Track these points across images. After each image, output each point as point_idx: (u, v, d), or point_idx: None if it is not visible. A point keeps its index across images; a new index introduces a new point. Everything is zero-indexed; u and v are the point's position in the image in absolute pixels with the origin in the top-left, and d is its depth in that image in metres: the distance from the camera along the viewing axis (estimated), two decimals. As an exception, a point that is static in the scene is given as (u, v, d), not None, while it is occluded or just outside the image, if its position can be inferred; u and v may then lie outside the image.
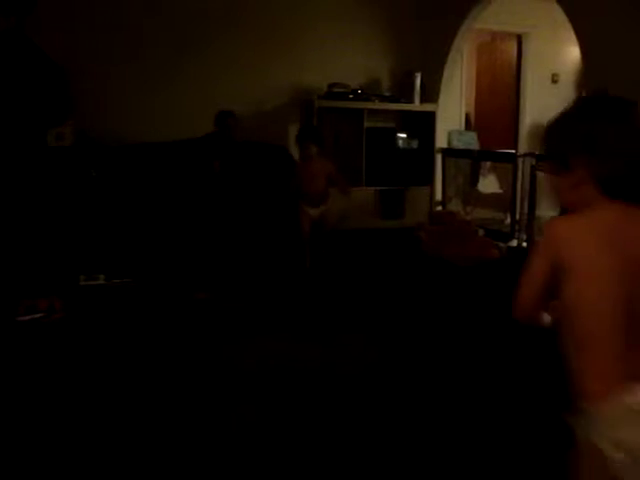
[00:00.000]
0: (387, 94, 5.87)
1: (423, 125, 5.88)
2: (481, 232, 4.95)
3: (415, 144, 5.91)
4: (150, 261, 4.11)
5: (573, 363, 1.22)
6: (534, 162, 5.06)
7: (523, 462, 1.98)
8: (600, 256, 1.17)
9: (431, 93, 5.86)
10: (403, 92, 5.85)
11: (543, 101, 6.95)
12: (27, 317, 3.21)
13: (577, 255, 1.19)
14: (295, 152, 5.44)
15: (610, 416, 1.11)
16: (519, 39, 6.94)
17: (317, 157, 4.48)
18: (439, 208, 5.95)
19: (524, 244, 5.11)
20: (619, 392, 1.11)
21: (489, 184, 5.92)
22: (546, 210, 5.08)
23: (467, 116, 7.04)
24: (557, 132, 1.30)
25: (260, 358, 2.79)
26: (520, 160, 5.27)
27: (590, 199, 1.21)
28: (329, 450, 2.02)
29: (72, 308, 3.37)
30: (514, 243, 5.18)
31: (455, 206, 5.89)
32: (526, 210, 5.12)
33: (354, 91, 5.52)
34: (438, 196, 6.02)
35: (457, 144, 6.28)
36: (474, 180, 5.99)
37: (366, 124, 5.59)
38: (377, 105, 5.61)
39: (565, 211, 1.31)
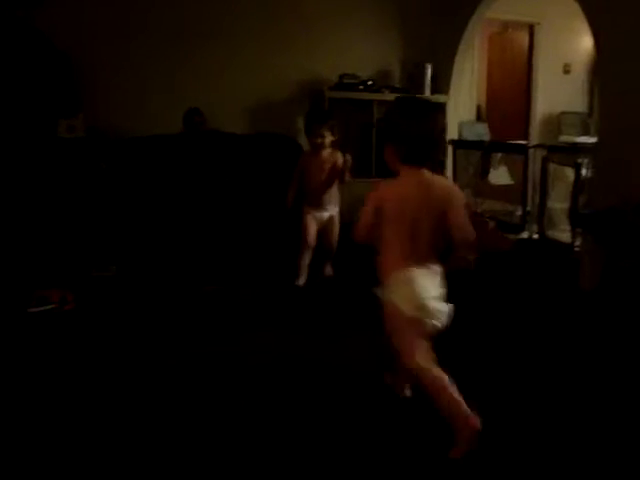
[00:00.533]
0: (398, 85, 5.85)
1: (434, 116, 5.85)
2: (492, 224, 4.92)
3: (425, 135, 5.88)
4: (159, 253, 4.12)
5: (381, 258, 2.13)
6: (545, 153, 5.02)
7: (523, 461, 1.97)
8: (399, 201, 2.07)
9: (442, 84, 5.83)
10: (414, 83, 5.82)
11: (555, 92, 6.92)
12: (39, 308, 3.23)
13: (388, 202, 2.09)
14: (305, 143, 5.46)
15: (396, 282, 2.05)
16: (531, 29, 6.90)
17: (330, 148, 3.78)
18: (450, 200, 5.92)
19: (535, 236, 5.08)
20: (401, 270, 2.04)
21: (500, 176, 5.88)
22: (557, 202, 5.06)
23: (478, 107, 7.01)
24: (384, 124, 2.22)
25: (264, 353, 2.79)
26: (531, 151, 5.23)
27: (399, 166, 2.10)
28: (331, 447, 2.02)
29: (83, 299, 3.39)
30: (525, 235, 5.15)
31: (466, 197, 5.86)
32: (537, 202, 5.08)
33: (364, 82, 5.50)
34: (449, 188, 5.98)
35: (468, 135, 6.25)
36: (485, 171, 5.95)
37: (376, 115, 5.57)
38: (388, 96, 5.58)
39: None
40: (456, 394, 1.90)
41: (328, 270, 4.01)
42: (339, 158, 3.75)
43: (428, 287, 2.03)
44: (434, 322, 2.02)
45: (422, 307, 1.99)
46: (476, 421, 1.86)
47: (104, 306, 3.36)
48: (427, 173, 2.07)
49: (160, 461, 1.92)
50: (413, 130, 2.03)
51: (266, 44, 5.38)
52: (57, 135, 3.59)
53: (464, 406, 1.88)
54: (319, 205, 3.84)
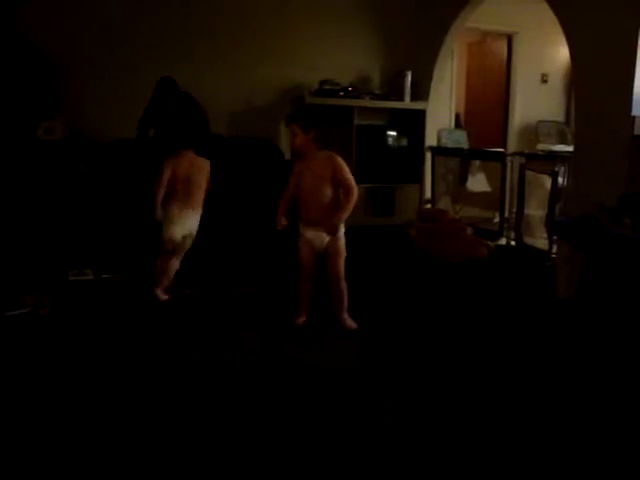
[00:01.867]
0: (378, 92, 5.88)
1: (413, 123, 5.90)
2: (470, 230, 4.97)
3: (405, 142, 5.93)
4: (138, 256, 4.09)
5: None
6: (523, 161, 5.09)
7: (521, 460, 1.98)
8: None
9: (421, 91, 5.89)
10: (394, 90, 5.87)
11: (533, 100, 7.00)
12: (14, 312, 3.19)
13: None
14: (286, 148, 5.46)
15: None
16: (509, 39, 6.97)
17: (321, 152, 3.09)
18: (428, 206, 5.98)
19: (512, 243, 5.14)
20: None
21: (478, 183, 5.95)
22: (534, 209, 5.12)
23: (457, 115, 7.07)
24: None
25: (250, 354, 2.79)
26: (509, 159, 5.30)
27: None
28: (322, 447, 2.02)
29: (60, 303, 3.35)
30: (503, 241, 5.21)
31: (444, 204, 5.91)
32: (515, 209, 5.14)
33: (345, 88, 5.52)
34: (427, 194, 6.04)
35: (447, 142, 6.30)
36: (463, 178, 6.01)
37: (356, 121, 5.60)
38: (368, 103, 5.62)
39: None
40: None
41: (349, 322, 3.15)
42: (334, 161, 3.05)
43: None
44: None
45: None
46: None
47: (80, 310, 3.33)
48: None
49: (144, 463, 1.91)
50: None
51: (248, 49, 5.39)
52: (36, 137, 3.56)
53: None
54: (314, 223, 3.06)
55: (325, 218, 3.01)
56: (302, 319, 3.19)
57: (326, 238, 3.06)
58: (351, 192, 3.01)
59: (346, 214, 3.01)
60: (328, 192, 3.04)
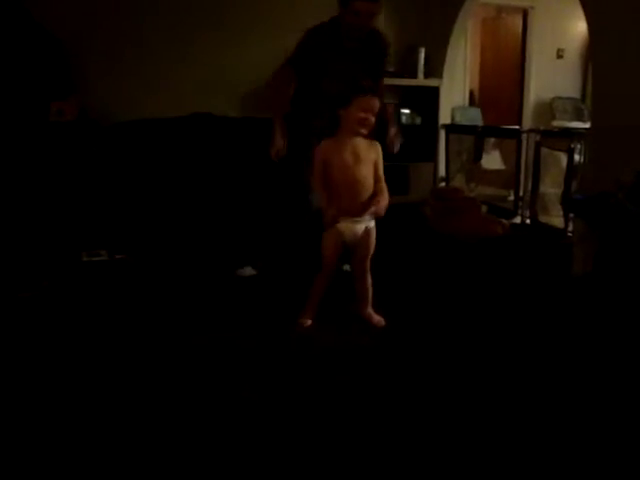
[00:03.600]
0: (391, 69, 5.80)
1: (427, 101, 5.83)
2: (485, 208, 4.93)
3: (419, 120, 5.86)
4: (152, 237, 4.10)
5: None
6: (538, 138, 5.02)
7: (524, 457, 1.97)
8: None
9: (435, 68, 5.80)
10: (406, 67, 5.79)
11: (548, 77, 6.90)
12: (29, 293, 3.22)
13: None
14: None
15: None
16: (524, 14, 6.85)
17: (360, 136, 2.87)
18: (443, 184, 5.93)
19: (527, 221, 5.09)
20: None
21: (493, 160, 5.88)
22: (550, 187, 5.06)
23: (471, 92, 6.98)
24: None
25: (259, 340, 2.79)
26: (524, 136, 5.23)
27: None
28: (323, 442, 2.02)
29: (73, 284, 3.37)
30: (517, 220, 5.16)
31: (459, 182, 5.86)
32: (529, 187, 5.09)
33: (357, 66, 5.45)
34: (442, 172, 5.99)
35: (461, 120, 6.23)
36: (478, 156, 5.94)
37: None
38: (380, 80, 5.55)
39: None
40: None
41: (376, 318, 2.97)
42: (378, 152, 2.89)
43: None
44: None
45: None
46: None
47: (94, 291, 3.35)
48: None
49: (143, 454, 1.91)
50: None
51: (259, 28, 5.32)
52: (48, 118, 3.54)
53: None
54: (354, 213, 2.82)
55: (364, 208, 2.80)
56: (309, 321, 2.92)
57: (360, 231, 2.84)
58: (385, 188, 2.89)
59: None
60: (372, 180, 2.85)
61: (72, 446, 1.90)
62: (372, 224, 2.88)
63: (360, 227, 2.84)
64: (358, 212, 2.80)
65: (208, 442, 1.92)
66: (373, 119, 2.77)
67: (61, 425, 2.02)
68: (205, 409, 2.13)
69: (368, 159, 2.83)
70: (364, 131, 2.79)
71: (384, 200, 2.84)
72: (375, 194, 2.83)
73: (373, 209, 2.81)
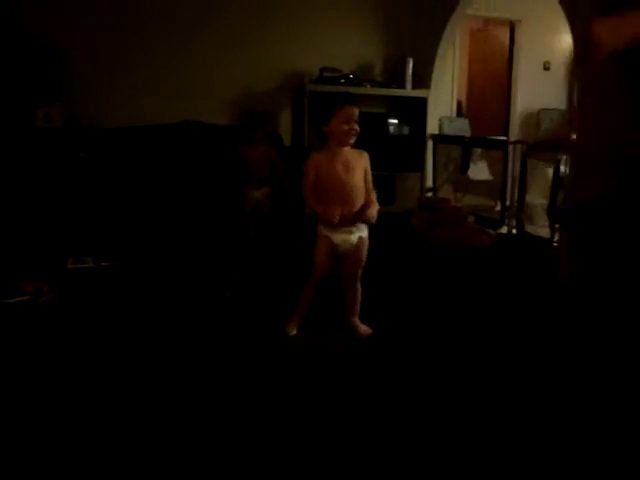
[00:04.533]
0: (379, 79, 5.84)
1: (414, 111, 5.86)
2: (471, 219, 4.95)
3: (406, 130, 5.89)
4: (138, 244, 4.08)
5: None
6: (525, 149, 5.06)
7: (523, 458, 1.97)
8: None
9: (423, 79, 5.84)
10: (395, 78, 5.83)
11: (535, 88, 6.97)
12: (14, 299, 3.18)
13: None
14: (286, 136, 5.45)
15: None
16: (512, 26, 6.94)
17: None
18: (430, 194, 5.95)
19: (514, 231, 5.12)
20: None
21: (480, 171, 5.93)
22: (536, 197, 5.10)
23: (459, 103, 7.03)
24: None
25: (244, 348, 2.78)
26: (511, 147, 5.27)
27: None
28: (321, 444, 2.02)
29: (59, 291, 3.34)
30: (504, 230, 5.19)
31: (446, 193, 5.89)
32: (516, 197, 5.12)
33: (346, 76, 5.48)
34: (429, 182, 6.01)
35: (448, 131, 6.27)
36: (465, 167, 5.99)
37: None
38: (369, 90, 5.57)
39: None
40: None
41: (363, 328, 2.96)
42: (367, 160, 2.92)
43: None
44: None
45: None
46: None
47: (80, 298, 3.32)
48: None
49: (141, 454, 1.90)
50: None
51: (248, 37, 5.34)
52: (34, 124, 3.53)
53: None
54: (346, 224, 2.81)
55: (357, 218, 2.81)
56: (294, 331, 2.90)
57: (355, 241, 2.83)
58: (374, 193, 2.89)
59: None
60: (364, 188, 2.85)
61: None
62: (365, 234, 2.87)
63: (354, 237, 2.83)
64: (351, 221, 2.80)
65: (201, 445, 1.91)
66: (357, 127, 2.78)
67: (55, 433, 2.00)
68: (193, 415, 2.12)
69: (358, 168, 2.83)
70: (351, 141, 2.82)
71: (375, 206, 2.85)
72: (366, 203, 2.84)
73: (366, 215, 2.81)
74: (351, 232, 2.82)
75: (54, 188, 3.89)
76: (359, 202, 2.81)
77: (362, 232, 2.86)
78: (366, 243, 2.89)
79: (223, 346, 2.72)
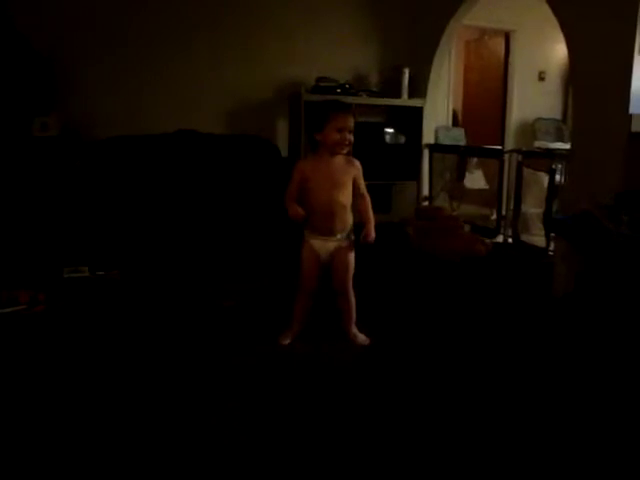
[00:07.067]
0: (375, 89, 5.87)
1: (411, 121, 5.88)
2: (467, 228, 4.96)
3: (402, 139, 5.91)
4: (135, 253, 4.08)
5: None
6: (520, 158, 5.08)
7: (522, 459, 1.97)
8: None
9: (419, 89, 5.87)
10: (391, 87, 5.85)
11: (530, 98, 7.02)
12: (8, 309, 3.18)
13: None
14: (282, 147, 5.45)
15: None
16: (507, 36, 6.98)
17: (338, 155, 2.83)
18: (426, 203, 5.97)
19: (509, 240, 5.13)
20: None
21: (475, 180, 5.94)
22: (531, 206, 5.12)
23: (454, 112, 7.07)
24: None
25: (240, 357, 2.77)
26: (506, 156, 5.29)
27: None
28: (323, 447, 2.01)
29: (55, 301, 3.33)
30: (500, 239, 5.20)
31: (442, 202, 5.90)
32: (512, 206, 5.14)
33: (342, 85, 5.50)
34: (425, 191, 6.03)
35: (444, 140, 6.29)
36: (461, 176, 6.00)
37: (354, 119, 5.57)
38: (365, 100, 5.59)
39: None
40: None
41: (360, 337, 2.93)
42: (357, 168, 2.83)
43: None
44: None
45: None
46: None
47: (76, 308, 3.31)
48: None
49: (139, 460, 1.90)
50: None
51: (244, 47, 5.37)
52: (31, 133, 3.53)
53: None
54: (326, 232, 2.80)
55: (339, 228, 2.79)
56: (288, 340, 2.86)
57: (332, 248, 2.80)
58: (368, 199, 2.86)
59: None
60: (349, 199, 2.80)
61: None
62: (346, 244, 2.82)
63: (331, 244, 2.80)
64: (329, 233, 2.80)
65: (198, 453, 1.90)
66: (351, 137, 2.75)
67: (52, 443, 1.99)
68: (191, 423, 2.11)
69: (346, 180, 2.79)
70: (343, 152, 2.78)
71: (371, 224, 2.82)
72: (365, 225, 2.82)
73: (364, 240, 2.79)
74: (328, 240, 2.80)
75: (50, 197, 3.89)
76: (339, 219, 2.78)
77: (341, 242, 2.81)
78: (348, 253, 2.83)
79: (222, 355, 2.72)
